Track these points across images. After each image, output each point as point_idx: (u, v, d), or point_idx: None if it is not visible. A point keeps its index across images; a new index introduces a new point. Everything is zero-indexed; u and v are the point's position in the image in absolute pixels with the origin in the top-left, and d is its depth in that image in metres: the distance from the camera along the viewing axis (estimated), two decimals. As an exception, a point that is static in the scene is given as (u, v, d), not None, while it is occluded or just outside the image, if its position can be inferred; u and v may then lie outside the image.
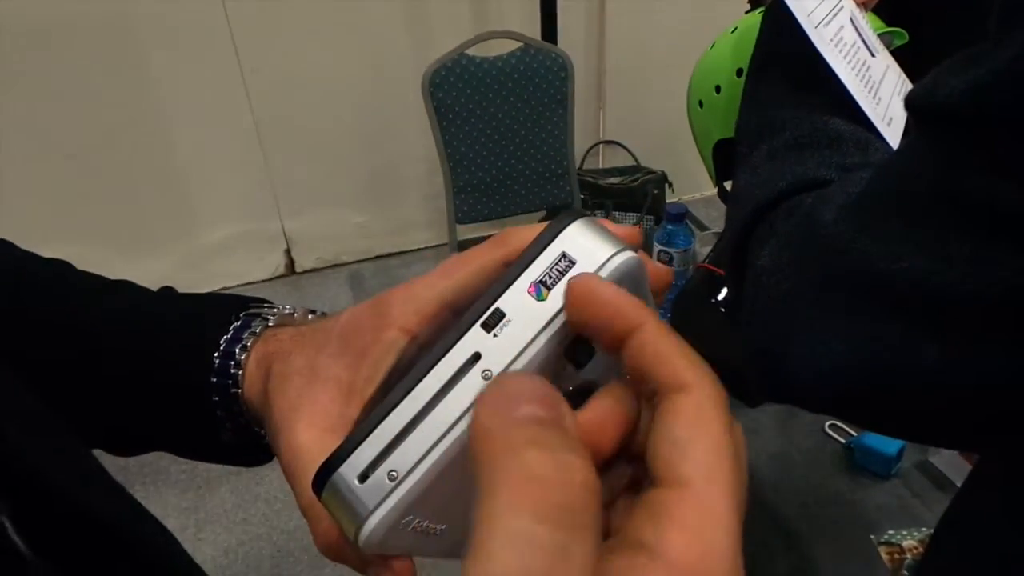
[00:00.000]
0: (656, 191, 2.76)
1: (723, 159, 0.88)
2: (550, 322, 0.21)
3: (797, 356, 0.42)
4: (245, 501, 1.94)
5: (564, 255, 0.21)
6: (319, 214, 2.76)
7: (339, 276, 2.85)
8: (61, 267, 0.42)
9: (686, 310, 0.98)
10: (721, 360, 1.07)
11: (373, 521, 0.21)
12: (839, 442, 0.90)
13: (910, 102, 0.39)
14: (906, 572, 0.75)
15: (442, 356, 0.21)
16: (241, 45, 2.41)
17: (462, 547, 0.24)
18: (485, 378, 0.21)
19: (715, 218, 2.43)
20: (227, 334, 0.35)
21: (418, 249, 2.93)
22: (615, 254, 0.21)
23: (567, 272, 0.21)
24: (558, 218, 0.22)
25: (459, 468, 0.21)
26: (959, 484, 0.84)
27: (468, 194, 2.04)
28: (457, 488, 0.21)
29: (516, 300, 0.21)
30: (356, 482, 0.21)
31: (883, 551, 0.77)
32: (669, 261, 1.19)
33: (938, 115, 0.36)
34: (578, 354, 0.22)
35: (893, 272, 0.36)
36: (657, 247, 1.23)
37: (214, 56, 2.39)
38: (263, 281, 2.82)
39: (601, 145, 2.98)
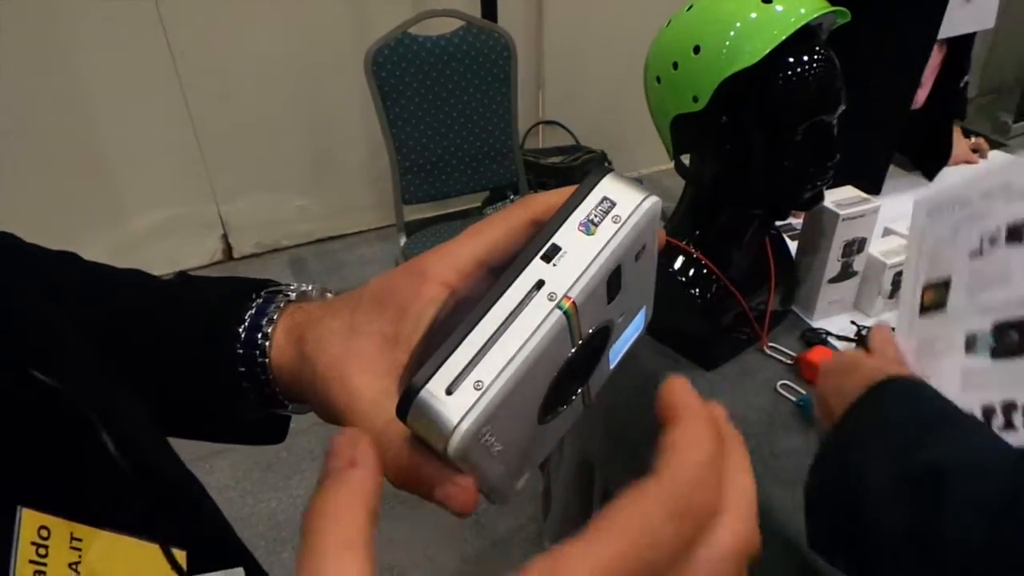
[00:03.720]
0: (611, 168, 2.82)
1: (680, 133, 0.92)
2: (600, 252, 0.24)
3: None
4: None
5: (605, 198, 0.25)
6: (257, 198, 2.70)
7: (279, 261, 2.80)
8: (72, 256, 0.43)
9: (644, 280, 1.02)
10: (678, 326, 1.13)
11: (464, 426, 0.22)
12: (791, 400, 0.96)
13: None
14: (856, 515, 0.82)
15: (511, 283, 0.24)
16: (170, 24, 2.32)
17: (507, 475, 0.26)
18: (550, 299, 0.24)
19: (655, 194, 2.50)
20: (251, 310, 0.37)
21: (362, 231, 2.90)
22: (646, 197, 0.26)
23: (609, 212, 0.25)
24: (594, 172, 0.27)
25: (528, 384, 0.24)
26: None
27: (414, 174, 2.04)
28: (520, 407, 0.24)
29: (569, 236, 0.25)
30: (444, 395, 0.23)
31: (835, 497, 0.84)
32: (660, 208, 1.22)
33: None
34: (611, 287, 0.26)
35: None
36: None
37: (142, 36, 2.29)
38: (200, 268, 2.74)
39: (541, 125, 3.01)
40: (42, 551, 0.29)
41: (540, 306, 0.23)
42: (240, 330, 0.36)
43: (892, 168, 1.40)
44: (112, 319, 0.40)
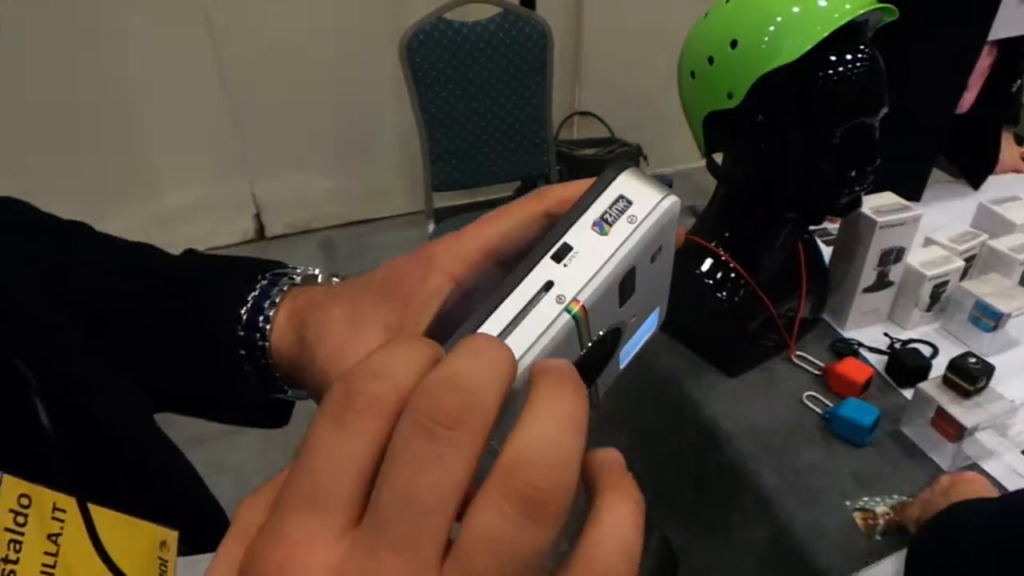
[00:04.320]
0: (631, 163, 2.78)
1: (713, 131, 0.88)
2: (613, 254, 0.23)
3: None
4: (214, 470, 1.91)
5: (622, 196, 0.24)
6: (290, 178, 2.71)
7: (310, 242, 2.81)
8: (83, 227, 0.43)
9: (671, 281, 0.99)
10: (703, 330, 1.10)
11: None
12: (816, 412, 0.92)
13: None
14: (879, 537, 0.78)
15: (518, 283, 0.22)
16: (211, 4, 2.33)
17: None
18: (559, 302, 0.22)
19: (689, 191, 2.45)
20: (254, 291, 0.36)
21: (391, 216, 2.89)
22: (664, 197, 0.24)
23: (625, 211, 0.24)
24: (611, 167, 0.25)
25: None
26: (929, 454, 0.87)
27: (445, 161, 2.02)
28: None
29: (581, 235, 0.23)
30: None
31: (858, 517, 0.80)
32: (679, 209, 1.19)
33: None
34: (624, 289, 0.24)
35: None
36: (639, 218, 1.22)
37: (183, 15, 2.31)
38: (232, 245, 2.76)
39: (576, 116, 2.97)
40: (20, 519, 0.28)
41: (548, 308, 0.22)
42: (242, 311, 0.36)
43: (937, 175, 1.34)
44: (115, 295, 0.40)
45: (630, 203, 0.24)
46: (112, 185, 2.46)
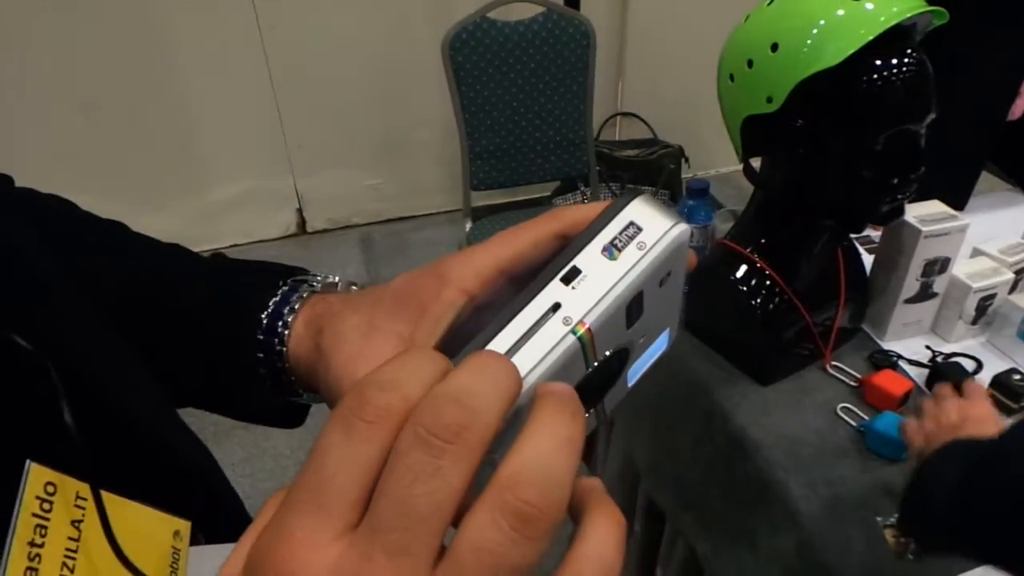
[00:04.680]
0: (672, 166, 2.73)
1: (751, 135, 0.87)
2: (620, 279, 0.24)
3: None
4: (252, 455, 1.96)
5: (632, 223, 0.25)
6: (332, 174, 2.75)
7: (350, 238, 2.85)
8: (119, 227, 0.45)
9: (704, 286, 0.98)
10: (735, 337, 1.08)
11: None
12: (850, 425, 0.90)
13: None
14: (911, 556, 0.76)
15: (527, 303, 0.23)
16: (260, 1, 2.38)
17: None
18: (565, 323, 0.23)
19: (730, 196, 2.41)
20: (276, 297, 0.37)
21: (430, 214, 2.92)
22: (674, 225, 0.25)
23: (635, 237, 0.25)
24: (624, 194, 0.27)
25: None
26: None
27: (484, 160, 2.03)
28: None
29: (591, 259, 0.24)
30: None
31: (888, 534, 0.78)
32: (689, 236, 1.18)
33: None
34: (631, 312, 0.25)
35: None
36: (675, 222, 1.21)
37: (232, 11, 2.36)
38: (274, 240, 2.82)
39: (618, 117, 2.95)
40: (46, 506, 0.29)
41: (554, 329, 0.23)
42: (262, 316, 0.37)
43: (993, 181, 1.30)
44: (145, 291, 0.41)
45: (640, 229, 0.25)
46: (160, 179, 2.54)
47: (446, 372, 0.20)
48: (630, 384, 0.31)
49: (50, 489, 0.30)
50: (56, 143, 2.33)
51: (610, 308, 0.24)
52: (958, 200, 1.23)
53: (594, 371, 0.25)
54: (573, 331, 0.23)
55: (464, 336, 0.24)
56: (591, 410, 0.29)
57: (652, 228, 0.25)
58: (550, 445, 0.19)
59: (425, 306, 0.30)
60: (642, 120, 2.92)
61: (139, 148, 2.46)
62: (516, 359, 0.22)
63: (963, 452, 0.66)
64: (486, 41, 1.89)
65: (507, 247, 0.29)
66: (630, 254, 0.24)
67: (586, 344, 0.23)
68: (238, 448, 1.97)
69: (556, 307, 0.23)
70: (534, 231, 0.29)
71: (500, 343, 0.23)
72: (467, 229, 2.07)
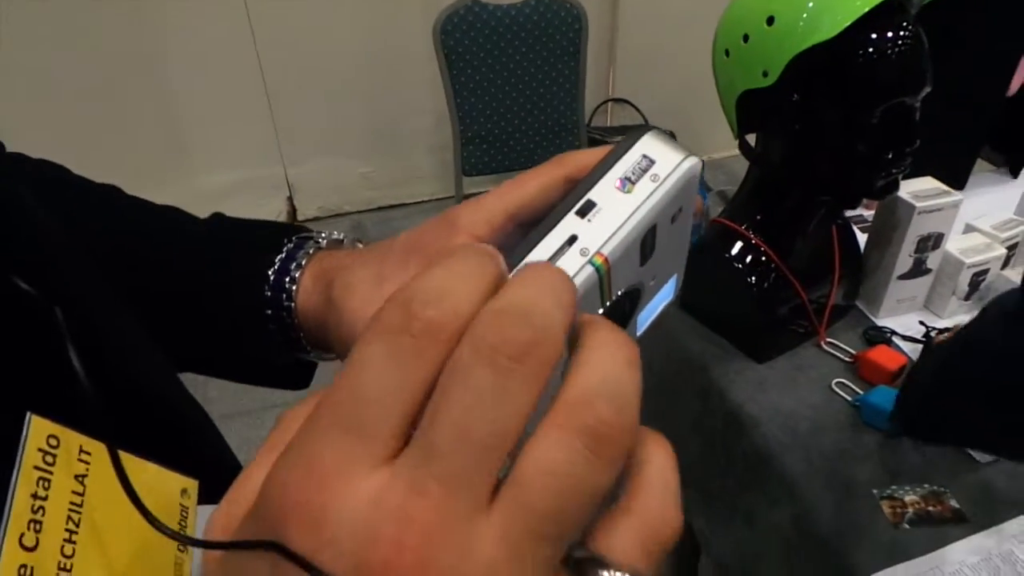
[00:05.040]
0: (653, 127, 2.74)
1: (746, 111, 0.87)
2: (636, 210, 0.24)
3: None
4: (245, 444, 1.94)
5: (645, 156, 0.25)
6: (323, 162, 2.74)
7: (341, 226, 2.83)
8: (113, 189, 0.44)
9: (698, 263, 0.98)
10: (731, 315, 1.09)
11: None
12: (845, 400, 0.91)
13: None
14: (907, 526, 0.77)
15: (543, 237, 0.23)
16: (248, -15, 2.35)
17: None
18: (583, 254, 0.23)
19: (722, 180, 2.41)
20: (281, 254, 0.37)
21: (422, 202, 2.91)
22: (686, 158, 0.25)
23: (648, 170, 0.24)
24: (634, 129, 0.26)
25: None
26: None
27: (476, 146, 2.02)
28: None
29: (605, 192, 0.24)
30: None
31: (885, 505, 0.79)
32: (701, 169, 1.18)
33: None
34: (644, 247, 0.25)
35: None
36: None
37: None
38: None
39: (610, 103, 2.94)
40: (49, 459, 0.29)
41: (572, 261, 0.23)
42: (269, 273, 0.37)
43: (979, 164, 1.30)
44: (144, 253, 0.41)
45: (652, 162, 0.25)
46: (149, 166, 2.51)
47: (500, 279, 0.18)
48: (639, 332, 0.31)
49: (52, 442, 0.29)
50: (42, 134, 2.29)
51: (626, 239, 0.23)
52: (958, 179, 1.23)
53: (608, 310, 0.25)
54: (591, 261, 0.23)
55: None
56: None
57: (665, 161, 0.25)
58: (616, 364, 0.17)
59: (435, 254, 0.29)
60: (633, 106, 2.92)
61: (128, 137, 2.44)
62: None
63: (948, 344, 0.69)
64: (477, 25, 1.88)
65: (516, 193, 0.29)
66: (644, 186, 0.24)
67: (603, 276, 0.23)
68: (233, 436, 1.95)
69: (572, 240, 0.23)
70: (542, 176, 0.29)
71: None
72: (459, 215, 2.06)
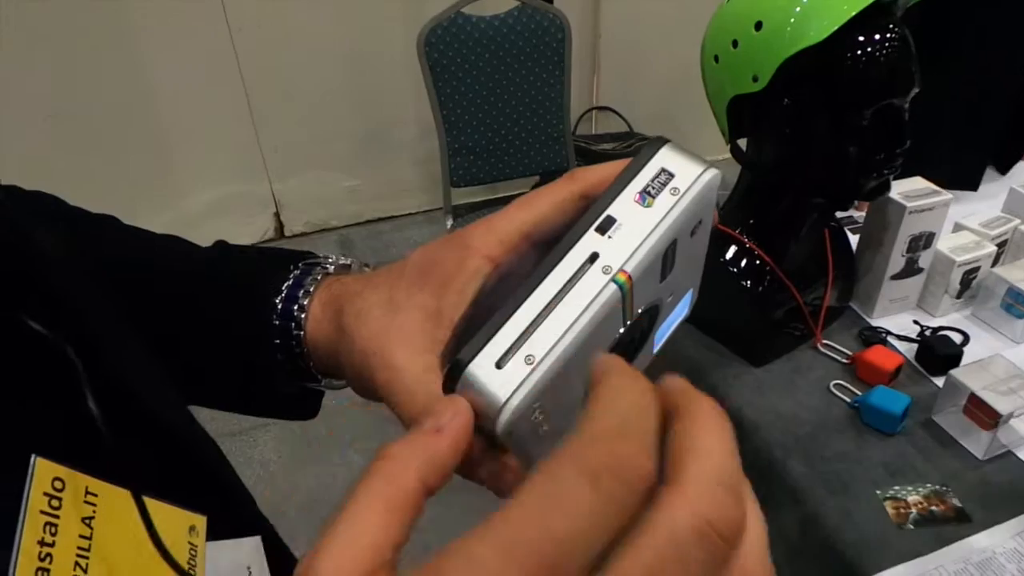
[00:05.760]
0: (669, 139, 2.75)
1: (737, 116, 0.87)
2: (657, 225, 0.23)
3: None
4: (239, 463, 1.93)
5: (664, 170, 0.24)
6: (309, 177, 2.72)
7: (328, 240, 2.82)
8: (111, 219, 0.43)
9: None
10: (726, 319, 1.09)
11: (515, 402, 0.21)
12: (844, 401, 0.91)
13: None
14: (911, 526, 0.76)
15: (564, 255, 0.23)
16: (230, 4, 2.34)
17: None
18: (605, 272, 0.22)
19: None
20: (288, 281, 0.36)
21: (410, 214, 2.90)
22: (706, 170, 0.25)
23: (667, 184, 0.24)
24: (651, 142, 0.25)
25: (579, 361, 0.22)
26: (962, 442, 0.85)
27: (463, 157, 2.02)
28: (569, 385, 0.22)
29: (625, 208, 0.24)
30: (494, 369, 0.21)
31: (888, 506, 0.79)
32: (719, 181, 1.18)
33: None
34: (665, 262, 0.25)
35: None
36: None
37: (201, 12, 2.32)
38: (252, 244, 2.78)
39: (594, 111, 2.95)
40: (55, 503, 0.28)
41: (594, 279, 0.22)
42: (277, 301, 0.36)
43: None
44: (148, 285, 0.40)
45: (672, 175, 0.24)
46: (134, 186, 2.49)
47: (654, 403, 0.18)
48: (655, 350, 0.30)
49: (58, 485, 0.28)
50: (23, 152, 2.27)
51: (649, 255, 0.23)
52: (972, 180, 1.22)
53: (629, 328, 0.25)
54: (614, 279, 0.22)
55: (490, 305, 0.23)
56: None
57: (684, 173, 0.24)
58: (722, 446, 0.17)
59: (449, 276, 0.29)
60: (618, 114, 2.93)
61: (111, 156, 2.41)
62: (557, 311, 0.22)
63: None
64: (461, 36, 1.88)
65: (528, 211, 0.29)
66: (664, 200, 0.24)
67: (626, 294, 0.23)
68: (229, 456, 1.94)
69: (594, 257, 0.23)
70: (555, 193, 0.28)
71: (539, 297, 0.22)
72: (448, 227, 2.06)
